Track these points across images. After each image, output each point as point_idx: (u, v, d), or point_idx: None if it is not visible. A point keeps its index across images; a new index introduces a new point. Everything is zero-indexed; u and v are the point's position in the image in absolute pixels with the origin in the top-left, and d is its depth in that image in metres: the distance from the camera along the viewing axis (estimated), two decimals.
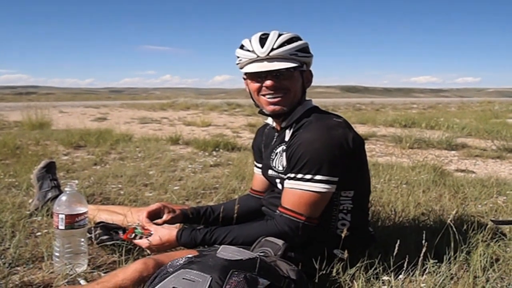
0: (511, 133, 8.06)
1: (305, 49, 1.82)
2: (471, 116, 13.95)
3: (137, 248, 1.98)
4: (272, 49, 1.74)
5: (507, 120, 11.82)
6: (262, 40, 1.77)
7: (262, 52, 1.75)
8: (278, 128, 1.94)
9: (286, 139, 1.84)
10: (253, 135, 2.28)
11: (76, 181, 3.71)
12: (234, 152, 5.93)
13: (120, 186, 3.63)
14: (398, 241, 1.75)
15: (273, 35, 1.78)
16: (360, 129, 9.50)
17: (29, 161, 4.46)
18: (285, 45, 1.76)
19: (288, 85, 1.79)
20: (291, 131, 1.83)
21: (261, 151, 2.09)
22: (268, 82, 1.77)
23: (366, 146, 6.88)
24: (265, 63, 1.75)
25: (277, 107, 1.80)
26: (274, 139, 1.95)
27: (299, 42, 1.80)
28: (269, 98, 1.80)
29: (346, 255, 1.70)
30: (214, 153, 5.79)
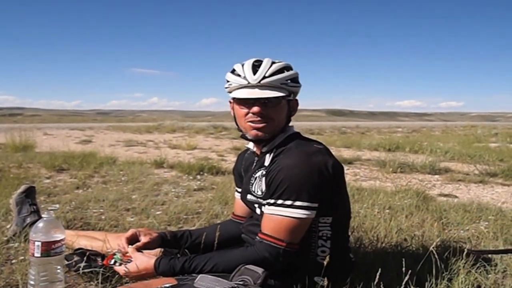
0: (493, 158, 8.16)
1: (295, 79, 1.84)
2: (454, 140, 14.12)
3: (115, 276, 1.95)
4: (264, 77, 1.75)
5: (490, 144, 11.97)
6: (255, 67, 1.78)
7: (254, 79, 1.76)
8: (258, 153, 1.93)
9: (266, 164, 1.84)
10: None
11: (57, 206, 3.68)
12: (219, 176, 5.91)
13: (101, 210, 3.59)
14: (380, 270, 1.73)
15: (266, 62, 1.79)
16: (345, 153, 9.55)
17: (10, 184, 4.40)
18: (277, 74, 1.77)
19: (273, 113, 1.79)
20: (271, 156, 1.83)
21: (242, 176, 2.08)
22: (255, 109, 1.77)
23: (351, 170, 6.92)
24: (256, 90, 1.76)
25: (259, 133, 1.80)
26: (254, 164, 1.95)
27: (290, 72, 1.82)
28: (253, 124, 1.80)
29: (326, 282, 1.68)
30: (199, 177, 5.76)
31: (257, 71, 1.77)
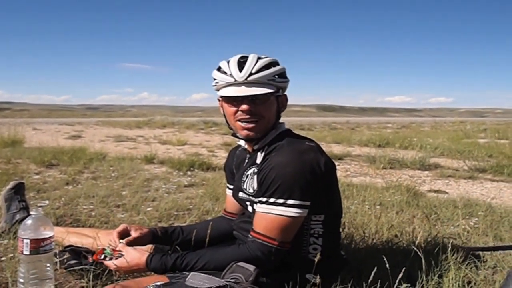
0: (482, 154, 8.22)
1: (282, 74, 1.82)
2: (443, 136, 14.21)
3: (105, 273, 1.93)
4: (251, 74, 1.72)
5: (479, 140, 12.05)
6: (241, 64, 1.75)
7: (240, 76, 1.73)
8: (250, 150, 1.92)
9: (258, 161, 1.82)
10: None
11: (47, 202, 3.65)
12: (209, 171, 5.90)
13: (91, 207, 3.56)
14: (375, 268, 1.73)
15: (252, 59, 1.76)
16: (336, 149, 9.57)
17: None
18: (263, 70, 1.74)
19: (263, 110, 1.77)
20: (263, 154, 1.81)
21: (233, 172, 2.07)
22: (244, 107, 1.74)
23: (341, 166, 6.94)
24: (243, 87, 1.73)
25: (250, 133, 1.78)
26: (246, 161, 1.94)
27: (277, 67, 1.79)
28: (243, 123, 1.78)
29: (318, 280, 1.68)
30: (189, 172, 5.75)
31: (243, 67, 1.74)
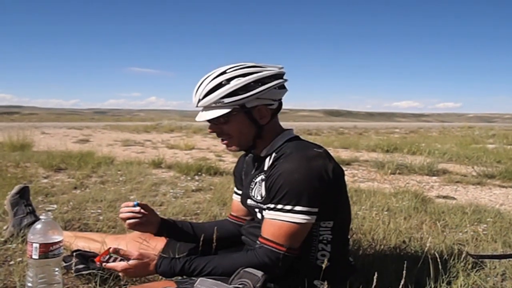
0: (491, 159, 8.18)
1: (243, 88, 1.70)
2: (452, 141, 14.13)
3: (112, 277, 1.94)
4: (199, 100, 1.73)
5: (487, 145, 11.99)
6: (197, 88, 1.76)
7: (194, 102, 1.76)
8: (258, 157, 1.93)
9: (265, 168, 1.82)
10: (235, 159, 2.26)
11: (55, 206, 3.66)
12: (217, 176, 5.89)
13: (99, 211, 3.57)
14: (377, 273, 1.72)
15: (205, 83, 1.72)
16: (343, 154, 9.55)
17: (7, 184, 4.37)
18: (210, 94, 1.70)
19: (228, 130, 1.78)
20: (271, 160, 1.81)
21: (242, 178, 2.07)
22: (209, 129, 1.81)
23: (349, 171, 6.93)
24: (200, 112, 1.78)
25: (228, 148, 1.84)
26: (254, 168, 1.94)
27: (225, 88, 1.69)
28: (220, 140, 1.84)
29: (325, 286, 1.68)
30: (197, 177, 5.75)
31: (197, 92, 1.75)
